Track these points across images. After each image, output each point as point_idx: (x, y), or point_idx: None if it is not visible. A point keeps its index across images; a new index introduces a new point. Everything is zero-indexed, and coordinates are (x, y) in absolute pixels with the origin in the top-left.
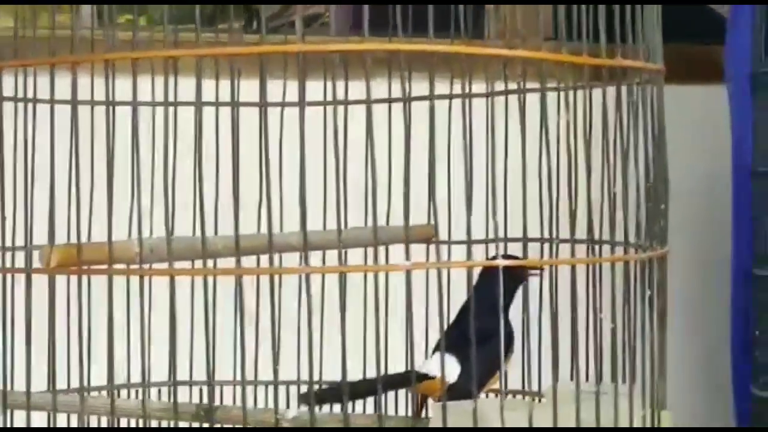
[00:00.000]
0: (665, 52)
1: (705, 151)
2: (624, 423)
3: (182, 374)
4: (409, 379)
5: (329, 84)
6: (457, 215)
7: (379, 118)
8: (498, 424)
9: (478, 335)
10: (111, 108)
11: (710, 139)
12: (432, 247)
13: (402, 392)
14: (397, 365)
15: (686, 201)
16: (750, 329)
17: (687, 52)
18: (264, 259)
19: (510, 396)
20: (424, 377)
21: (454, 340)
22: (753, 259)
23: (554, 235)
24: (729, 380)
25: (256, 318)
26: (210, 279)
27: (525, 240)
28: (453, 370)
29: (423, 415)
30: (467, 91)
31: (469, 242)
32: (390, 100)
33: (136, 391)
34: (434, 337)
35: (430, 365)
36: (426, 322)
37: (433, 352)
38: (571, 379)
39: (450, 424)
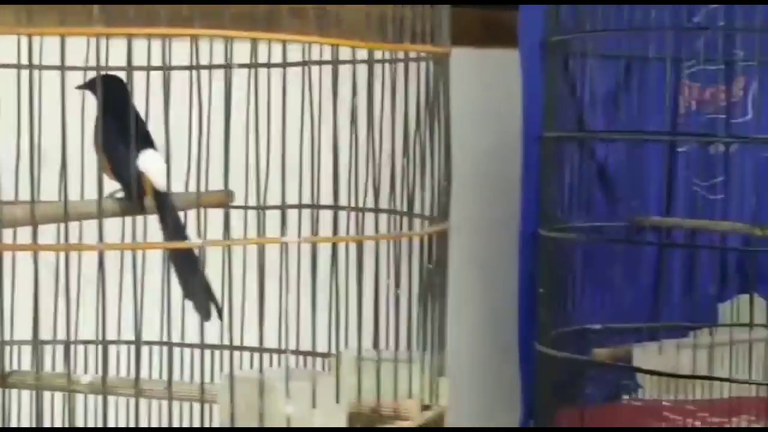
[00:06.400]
0: (462, 16)
1: (497, 114)
2: (404, 390)
3: None
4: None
5: None
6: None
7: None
8: (283, 394)
9: None
10: None
11: (503, 103)
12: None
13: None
14: None
15: (478, 164)
16: (535, 289)
17: (484, 16)
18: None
19: (299, 357)
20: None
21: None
22: (538, 220)
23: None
24: (516, 340)
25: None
26: None
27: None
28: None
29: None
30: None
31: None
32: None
33: None
34: None
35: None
36: None
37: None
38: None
39: (237, 395)
